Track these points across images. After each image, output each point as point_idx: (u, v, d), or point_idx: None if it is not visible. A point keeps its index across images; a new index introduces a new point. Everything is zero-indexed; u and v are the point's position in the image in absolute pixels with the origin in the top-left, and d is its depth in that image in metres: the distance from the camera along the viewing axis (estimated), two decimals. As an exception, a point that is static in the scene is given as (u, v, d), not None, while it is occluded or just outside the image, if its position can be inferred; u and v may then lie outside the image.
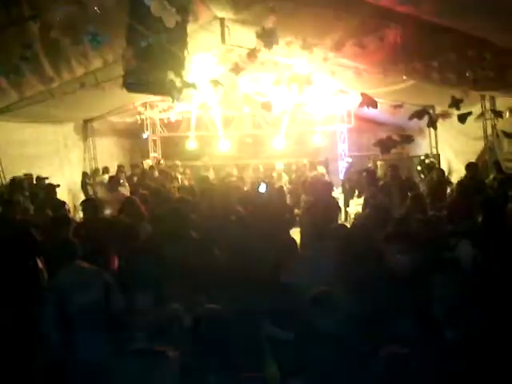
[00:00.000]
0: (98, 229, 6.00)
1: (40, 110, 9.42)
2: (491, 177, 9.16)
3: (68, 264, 4.57)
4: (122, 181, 12.00)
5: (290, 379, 3.49)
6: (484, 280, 4.32)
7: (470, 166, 9.28)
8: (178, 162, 15.51)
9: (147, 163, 14.96)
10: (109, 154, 15.40)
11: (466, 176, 9.13)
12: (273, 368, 4.05)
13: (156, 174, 13.59)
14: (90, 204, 7.12)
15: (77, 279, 4.46)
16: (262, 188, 9.83)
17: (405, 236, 4.75)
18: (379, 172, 12.89)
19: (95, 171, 13.66)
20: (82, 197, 11.77)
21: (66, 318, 4.32)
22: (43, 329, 4.35)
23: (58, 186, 10.05)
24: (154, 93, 7.45)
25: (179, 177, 14.06)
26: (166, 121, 15.63)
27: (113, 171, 13.43)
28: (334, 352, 3.27)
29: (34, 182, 9.99)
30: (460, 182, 8.80)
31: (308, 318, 3.54)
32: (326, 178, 13.50)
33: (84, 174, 13.04)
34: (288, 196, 11.15)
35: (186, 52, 5.55)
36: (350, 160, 15.57)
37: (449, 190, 9.78)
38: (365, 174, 10.42)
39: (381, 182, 9.59)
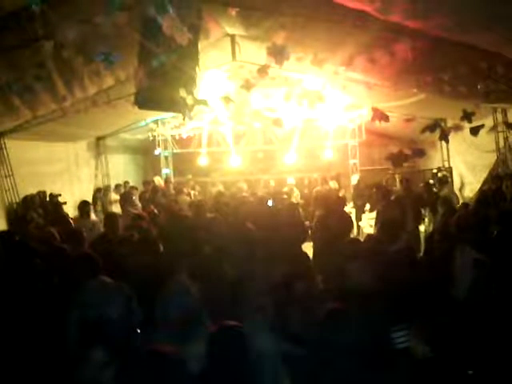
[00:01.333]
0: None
1: (52, 129, 9.50)
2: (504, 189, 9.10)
3: (91, 279, 4.37)
4: (134, 198, 12.04)
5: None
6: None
7: (496, 178, 9.23)
8: (190, 176, 15.57)
9: (157, 180, 14.99)
10: (121, 171, 15.51)
11: (490, 188, 9.08)
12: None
13: (171, 189, 13.65)
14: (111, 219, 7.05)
15: (100, 295, 4.37)
16: (270, 203, 9.86)
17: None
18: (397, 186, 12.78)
19: (106, 188, 13.69)
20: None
21: (89, 335, 4.22)
22: (67, 347, 4.23)
23: (65, 203, 10.19)
24: (166, 110, 7.48)
25: (191, 192, 14.09)
26: (177, 137, 15.70)
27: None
28: (350, 368, 3.22)
29: (48, 199, 10.09)
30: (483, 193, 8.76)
31: (322, 334, 3.49)
32: (340, 192, 13.50)
33: (96, 190, 13.06)
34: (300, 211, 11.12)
35: (197, 69, 5.59)
36: (357, 177, 15.51)
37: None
38: (375, 189, 10.38)
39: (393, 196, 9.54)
